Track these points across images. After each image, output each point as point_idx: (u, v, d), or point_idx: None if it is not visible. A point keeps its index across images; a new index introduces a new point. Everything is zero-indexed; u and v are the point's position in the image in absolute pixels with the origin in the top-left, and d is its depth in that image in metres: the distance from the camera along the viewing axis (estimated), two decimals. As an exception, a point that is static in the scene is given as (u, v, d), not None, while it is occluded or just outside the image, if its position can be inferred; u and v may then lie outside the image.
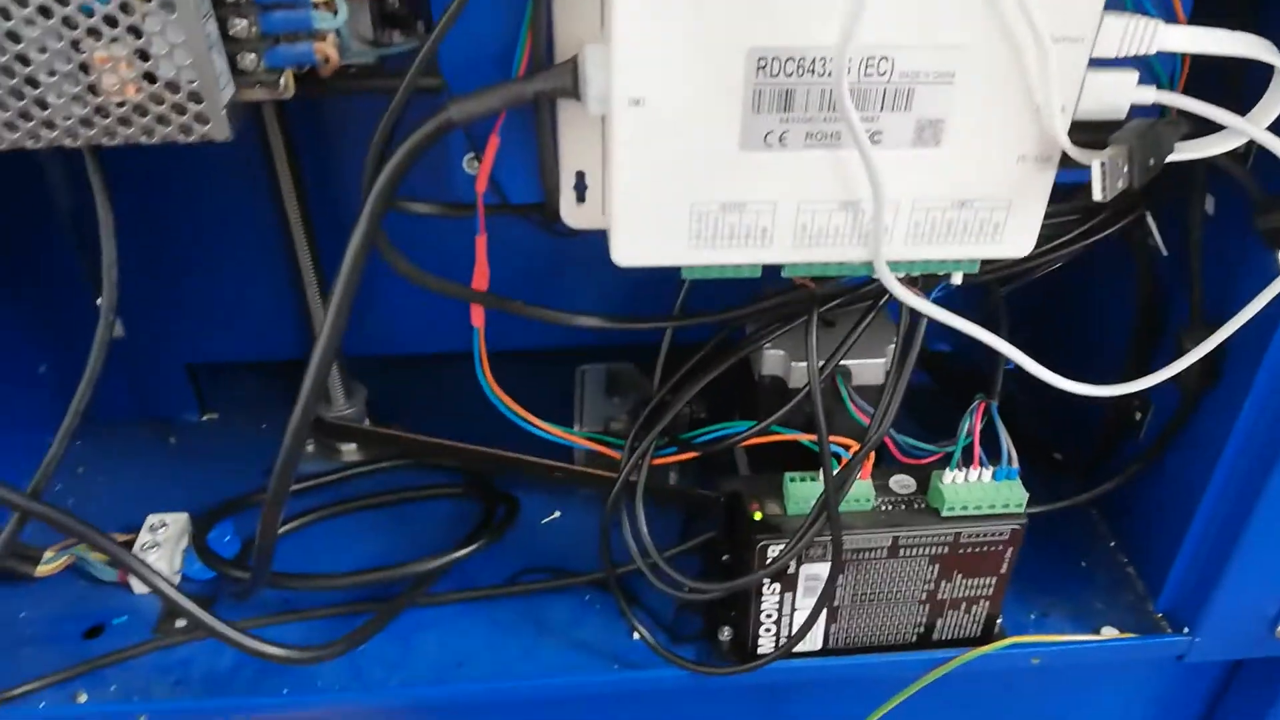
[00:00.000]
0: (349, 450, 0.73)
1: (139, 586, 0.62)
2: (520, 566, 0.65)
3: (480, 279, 0.48)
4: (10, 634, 0.61)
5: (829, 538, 0.52)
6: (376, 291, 0.72)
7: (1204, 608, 0.60)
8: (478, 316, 0.50)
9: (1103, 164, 0.37)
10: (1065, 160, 0.41)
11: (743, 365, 0.59)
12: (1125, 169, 0.37)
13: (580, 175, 0.45)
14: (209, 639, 0.60)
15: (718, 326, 0.57)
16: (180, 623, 0.61)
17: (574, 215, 0.46)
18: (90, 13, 0.35)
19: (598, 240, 0.49)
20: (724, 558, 0.58)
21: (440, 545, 0.64)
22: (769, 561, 0.53)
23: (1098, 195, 0.38)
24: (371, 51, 0.43)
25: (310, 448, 0.74)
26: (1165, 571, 0.61)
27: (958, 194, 0.42)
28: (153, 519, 0.64)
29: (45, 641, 0.60)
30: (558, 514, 0.70)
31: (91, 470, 0.73)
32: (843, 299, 0.51)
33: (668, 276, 0.55)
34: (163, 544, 0.62)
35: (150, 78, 0.37)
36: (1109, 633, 0.61)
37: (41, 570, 0.62)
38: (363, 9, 0.42)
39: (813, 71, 0.38)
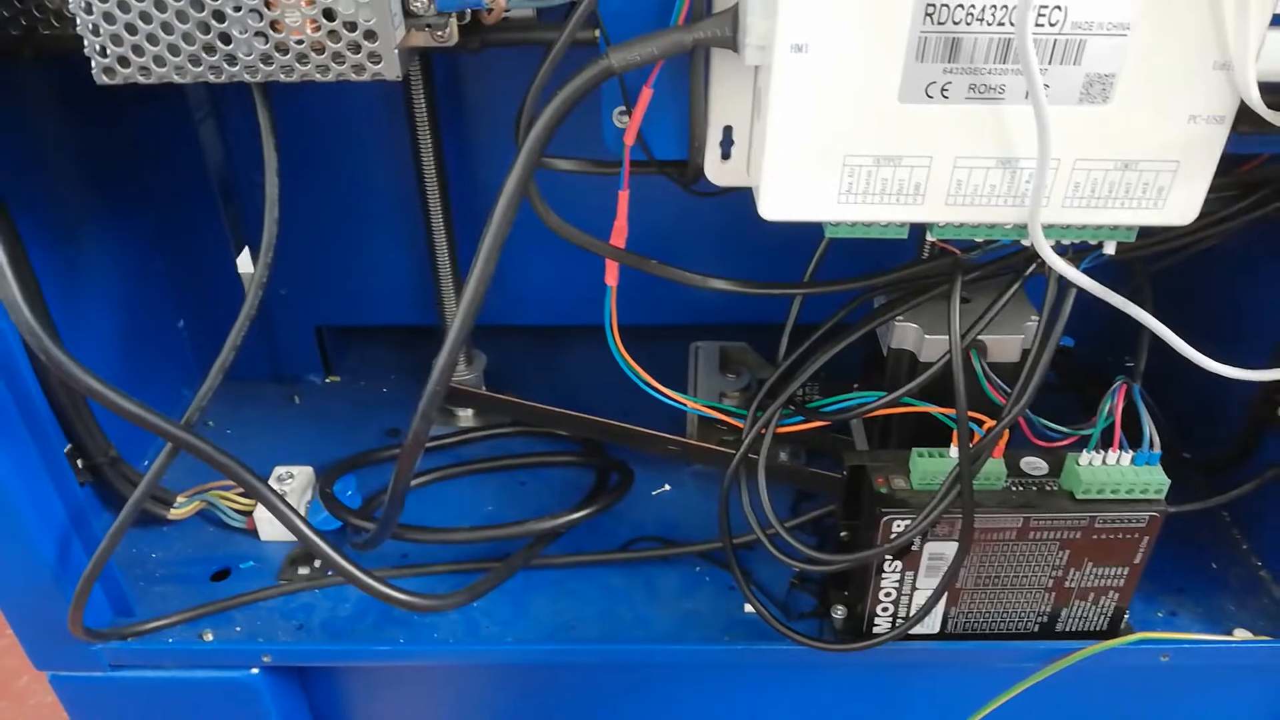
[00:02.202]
0: (465, 416, 0.74)
1: (265, 532, 0.64)
2: (630, 535, 0.66)
3: (619, 236, 0.48)
4: (142, 572, 0.63)
5: (958, 515, 0.51)
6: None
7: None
8: (612, 274, 0.50)
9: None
10: (1235, 125, 0.40)
11: (867, 341, 0.58)
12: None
13: (728, 131, 0.45)
14: (331, 587, 0.62)
15: (842, 300, 0.57)
16: (303, 570, 0.63)
17: (718, 172, 0.46)
18: (278, -50, 0.37)
19: (723, 206, 0.49)
20: (842, 535, 0.57)
21: (554, 509, 0.64)
22: (893, 536, 0.52)
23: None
24: (530, 3, 0.44)
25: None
26: (1306, 577, 0.59)
27: (1123, 154, 0.40)
28: (280, 470, 0.66)
29: (175, 581, 0.63)
30: (667, 487, 0.70)
31: (221, 424, 0.76)
32: (987, 270, 0.50)
33: (788, 252, 0.55)
34: (290, 494, 0.64)
35: (329, 15, 0.38)
36: (1242, 634, 0.59)
37: (174, 514, 0.65)
38: (524, -40, 0.43)
39: (982, 20, 0.37)
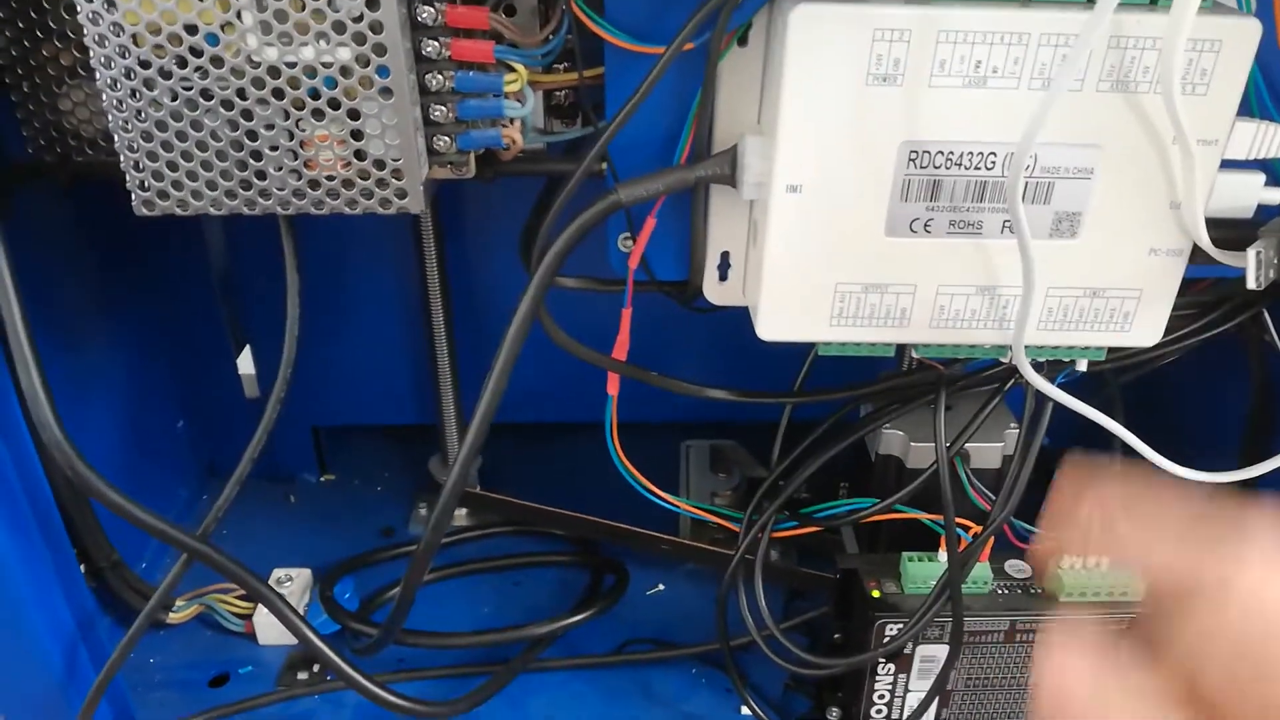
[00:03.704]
0: (460, 515, 0.75)
1: (264, 636, 0.65)
2: (625, 636, 0.66)
3: (621, 349, 0.51)
4: (141, 677, 0.63)
5: (948, 619, 0.53)
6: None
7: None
8: (614, 385, 0.53)
9: (1258, 254, 0.39)
10: (1192, 256, 0.43)
11: (855, 445, 0.60)
12: (1276, 260, 0.39)
13: (725, 255, 0.48)
14: (329, 693, 0.62)
15: (833, 407, 0.60)
16: (302, 675, 0.63)
17: (716, 292, 0.49)
18: (316, 96, 0.40)
19: (709, 319, 0.52)
20: (835, 636, 0.59)
21: (549, 611, 0.65)
22: (886, 640, 0.54)
23: (1252, 284, 0.39)
24: (541, 138, 0.47)
25: (422, 510, 0.77)
26: None
27: (1091, 283, 0.44)
28: (279, 573, 0.67)
29: (173, 687, 0.63)
30: (661, 587, 0.71)
31: (217, 525, 0.76)
32: (969, 381, 0.53)
33: (771, 355, 0.58)
34: (289, 598, 0.65)
35: (360, 155, 0.41)
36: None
37: (173, 617, 0.65)
38: (537, 102, 0.46)
39: (960, 165, 0.41)
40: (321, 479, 0.82)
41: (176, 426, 0.77)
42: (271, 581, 0.66)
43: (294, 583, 0.66)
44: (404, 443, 0.84)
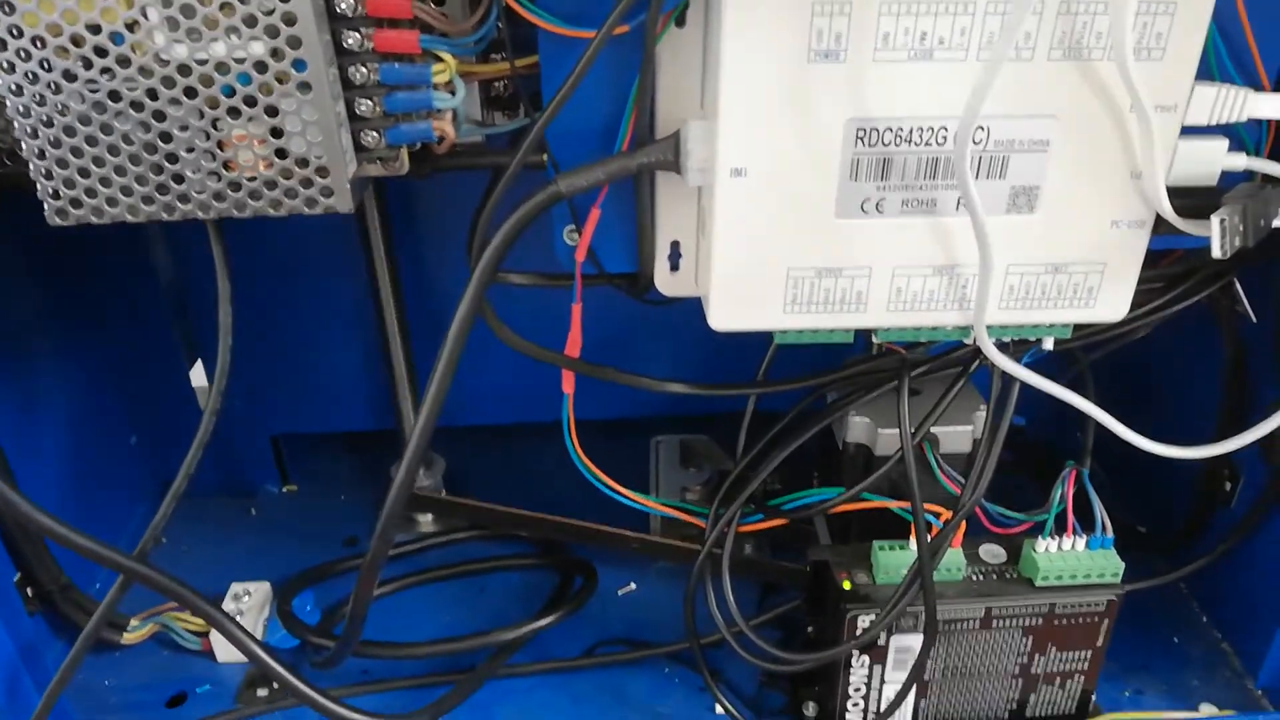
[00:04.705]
0: (425, 521, 0.74)
1: (222, 655, 0.63)
2: (596, 638, 0.65)
3: (573, 346, 0.49)
4: (95, 701, 0.61)
5: (921, 608, 0.51)
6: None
7: (1308, 684, 0.58)
8: (569, 383, 0.51)
9: (1222, 221, 0.37)
10: (1156, 226, 0.42)
11: (823, 434, 0.59)
12: (1241, 228, 0.37)
13: (675, 245, 0.46)
14: (290, 709, 0.60)
15: (799, 396, 0.58)
16: (262, 692, 0.61)
17: (668, 283, 0.47)
18: (231, 93, 0.38)
19: (675, 311, 0.50)
20: (809, 630, 0.57)
21: (516, 616, 0.64)
22: (859, 632, 0.52)
23: (1217, 252, 0.38)
24: (479, 130, 0.45)
25: (387, 518, 0.75)
26: (1264, 648, 0.60)
27: (1052, 259, 0.42)
28: (237, 587, 0.65)
29: (129, 709, 0.61)
30: (633, 586, 0.69)
31: (174, 539, 0.74)
32: (933, 365, 0.51)
33: (740, 345, 0.56)
34: (246, 612, 0.63)
35: (281, 154, 0.39)
36: (1208, 710, 0.59)
37: (128, 638, 0.63)
38: (472, 93, 0.44)
39: (910, 141, 0.39)
40: (284, 489, 0.80)
41: (129, 443, 0.75)
42: (229, 597, 0.64)
43: (251, 597, 0.64)
44: (367, 449, 0.82)
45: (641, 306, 0.52)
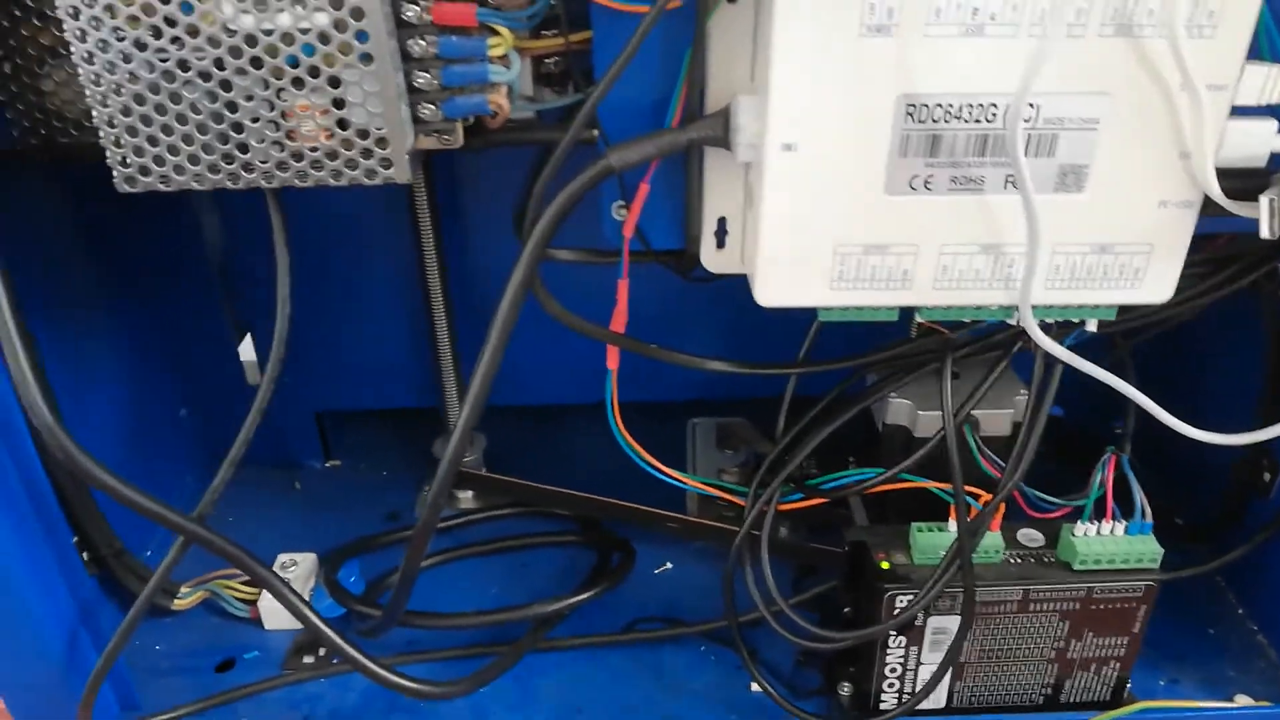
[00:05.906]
0: (466, 497, 0.75)
1: (269, 621, 0.64)
2: (633, 615, 0.66)
3: (619, 322, 0.50)
4: (147, 664, 0.63)
5: (959, 589, 0.52)
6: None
7: (1346, 677, 0.57)
8: (613, 358, 0.52)
9: (1271, 201, 0.37)
10: (1204, 207, 0.42)
11: (861, 416, 0.59)
12: (1291, 206, 0.37)
13: (722, 221, 0.47)
14: (336, 676, 0.61)
15: (838, 378, 0.58)
16: (308, 659, 0.62)
17: (714, 260, 0.48)
18: (295, 64, 0.39)
19: (716, 289, 0.51)
20: (845, 610, 0.58)
21: (555, 591, 0.65)
22: (896, 612, 0.53)
23: (1265, 233, 0.38)
24: (530, 106, 0.46)
25: (427, 493, 0.76)
26: (1303, 640, 0.59)
27: (1099, 238, 0.42)
28: (284, 558, 0.67)
29: (179, 673, 0.63)
30: (669, 565, 0.70)
31: (222, 511, 0.76)
32: (975, 347, 0.52)
33: (776, 331, 0.57)
34: (293, 582, 0.65)
35: (343, 124, 0.40)
36: (1243, 700, 0.59)
37: (178, 604, 0.65)
38: (525, 68, 0.45)
39: (960, 118, 0.39)
40: (326, 464, 0.81)
41: (179, 415, 0.77)
42: (276, 566, 0.66)
43: (298, 567, 0.66)
44: (409, 427, 0.83)
45: (679, 288, 0.53)
